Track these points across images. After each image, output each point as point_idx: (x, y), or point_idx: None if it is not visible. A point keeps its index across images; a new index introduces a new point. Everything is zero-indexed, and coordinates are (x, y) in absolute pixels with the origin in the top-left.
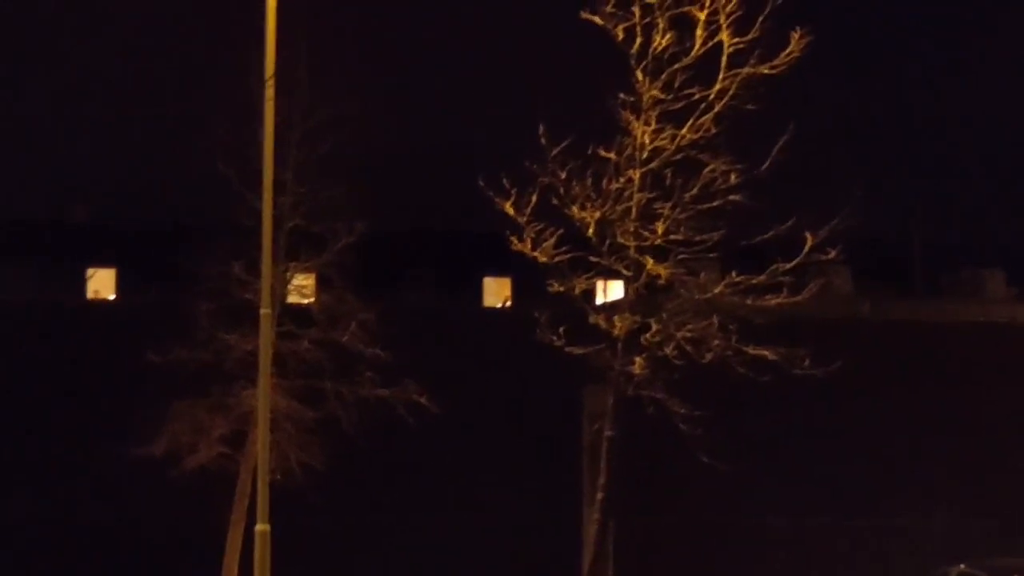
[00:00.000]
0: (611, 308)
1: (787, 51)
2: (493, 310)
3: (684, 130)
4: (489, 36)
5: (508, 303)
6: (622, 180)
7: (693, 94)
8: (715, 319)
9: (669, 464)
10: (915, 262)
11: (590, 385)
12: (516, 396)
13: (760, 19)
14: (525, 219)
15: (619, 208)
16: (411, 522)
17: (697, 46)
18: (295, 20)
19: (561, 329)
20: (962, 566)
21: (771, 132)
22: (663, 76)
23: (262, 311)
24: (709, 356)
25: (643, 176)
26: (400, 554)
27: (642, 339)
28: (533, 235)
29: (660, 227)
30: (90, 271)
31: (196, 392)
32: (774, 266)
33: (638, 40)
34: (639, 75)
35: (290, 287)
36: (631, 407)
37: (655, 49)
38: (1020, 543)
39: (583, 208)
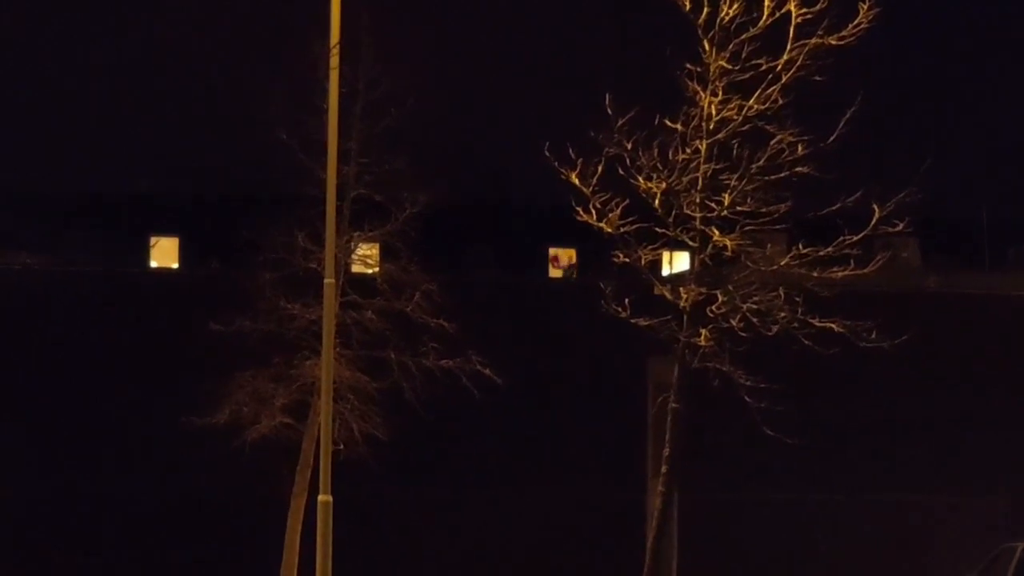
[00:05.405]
0: (677, 279)
1: (855, 22)
2: (558, 281)
3: (751, 101)
4: (556, 5)
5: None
6: (688, 151)
7: (760, 65)
8: (781, 291)
9: (734, 437)
10: (983, 235)
11: (655, 357)
12: (581, 368)
13: None
14: (590, 190)
15: (685, 179)
16: (474, 494)
17: (765, 16)
18: None
19: (626, 300)
20: None
21: (839, 103)
22: (730, 46)
23: (326, 281)
24: (775, 328)
25: (710, 147)
26: (462, 526)
27: (708, 311)
28: (598, 206)
29: (727, 198)
30: (153, 239)
31: (259, 362)
32: (841, 238)
33: (705, 10)
34: (706, 45)
35: (354, 257)
36: (696, 379)
37: (722, 19)
38: None
39: (649, 179)
